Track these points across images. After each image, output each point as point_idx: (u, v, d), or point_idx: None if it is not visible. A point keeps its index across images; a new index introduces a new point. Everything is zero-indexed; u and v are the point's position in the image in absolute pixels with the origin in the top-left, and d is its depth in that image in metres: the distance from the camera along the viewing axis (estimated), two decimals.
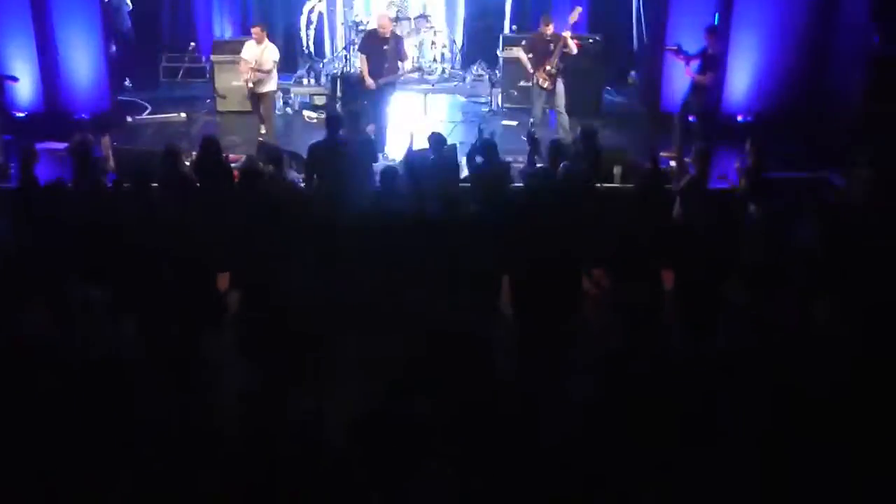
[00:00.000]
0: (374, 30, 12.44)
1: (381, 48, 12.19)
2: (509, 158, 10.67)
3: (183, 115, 12.85)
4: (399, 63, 12.39)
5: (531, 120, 12.60)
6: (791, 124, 12.52)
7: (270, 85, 12.57)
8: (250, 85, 12.34)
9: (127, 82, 15.51)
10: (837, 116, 12.44)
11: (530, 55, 12.57)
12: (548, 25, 12.42)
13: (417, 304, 6.74)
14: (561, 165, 9.17)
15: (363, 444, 4.38)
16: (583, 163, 9.56)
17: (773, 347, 6.43)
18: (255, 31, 12.54)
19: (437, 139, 10.07)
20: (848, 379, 5.90)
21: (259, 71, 12.25)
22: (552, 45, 12.30)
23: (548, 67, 12.30)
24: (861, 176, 8.94)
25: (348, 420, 4.50)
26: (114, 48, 14.39)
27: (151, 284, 6.70)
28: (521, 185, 9.87)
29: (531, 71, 12.56)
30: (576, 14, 12.31)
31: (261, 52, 12.36)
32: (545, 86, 12.41)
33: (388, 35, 12.24)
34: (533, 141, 10.79)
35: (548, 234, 7.56)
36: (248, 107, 12.94)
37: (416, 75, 15.18)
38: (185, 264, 6.80)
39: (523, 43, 12.93)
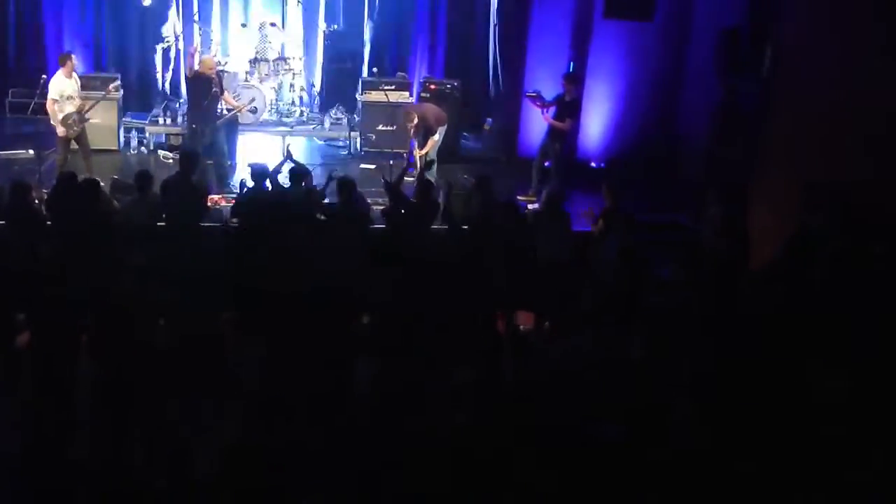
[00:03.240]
0: (201, 73, 12.36)
1: (214, 89, 12.25)
2: (369, 201, 10.71)
3: (31, 151, 12.38)
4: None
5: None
6: (642, 170, 12.93)
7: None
8: (92, 119, 12.17)
9: None
10: (686, 162, 12.92)
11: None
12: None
13: None
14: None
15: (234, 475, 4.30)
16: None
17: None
18: (71, 61, 12.09)
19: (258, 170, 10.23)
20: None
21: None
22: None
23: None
24: (712, 216, 9.28)
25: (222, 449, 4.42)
26: None
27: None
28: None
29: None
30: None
31: (78, 85, 12.13)
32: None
33: (213, 76, 12.31)
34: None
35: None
36: (105, 144, 12.90)
37: (250, 109, 14.95)
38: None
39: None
